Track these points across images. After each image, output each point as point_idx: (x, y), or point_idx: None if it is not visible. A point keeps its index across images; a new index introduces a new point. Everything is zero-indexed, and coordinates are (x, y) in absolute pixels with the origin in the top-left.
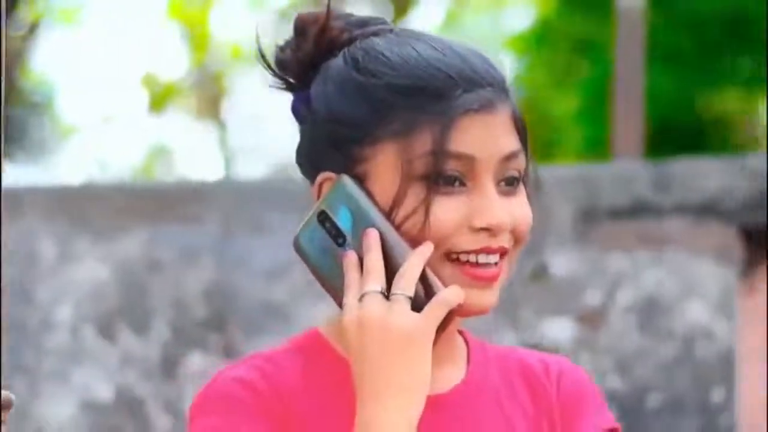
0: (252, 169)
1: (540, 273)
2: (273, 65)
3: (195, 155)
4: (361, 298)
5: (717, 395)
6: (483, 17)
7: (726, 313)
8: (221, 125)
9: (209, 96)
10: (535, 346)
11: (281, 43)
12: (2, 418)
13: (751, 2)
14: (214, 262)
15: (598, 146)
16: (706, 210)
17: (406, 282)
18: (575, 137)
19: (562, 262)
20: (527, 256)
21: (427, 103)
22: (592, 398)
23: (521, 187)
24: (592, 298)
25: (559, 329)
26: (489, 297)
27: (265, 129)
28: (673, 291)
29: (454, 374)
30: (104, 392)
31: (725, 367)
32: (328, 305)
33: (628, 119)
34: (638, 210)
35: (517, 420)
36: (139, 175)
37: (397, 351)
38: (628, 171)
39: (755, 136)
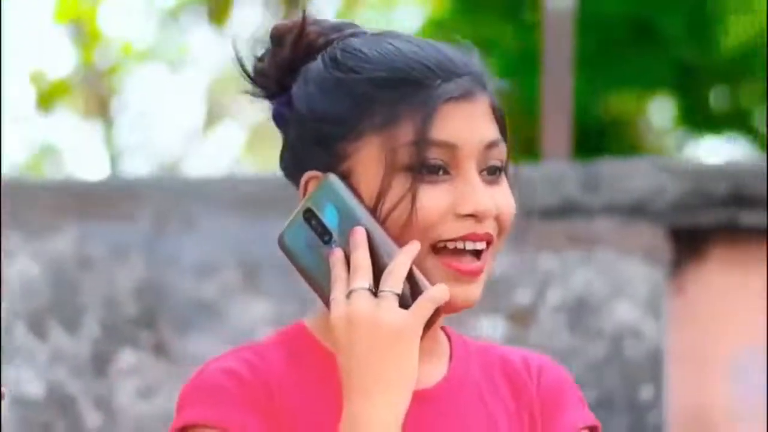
0: (139, 167)
1: None
2: (251, 75)
3: (83, 153)
4: (348, 295)
5: (645, 393)
6: (374, 16)
7: (654, 313)
8: (109, 123)
9: (98, 94)
10: None
11: (258, 54)
12: None
13: (653, 4)
14: (145, 259)
15: None
16: (635, 211)
17: (394, 280)
18: None
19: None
20: None
21: (408, 94)
22: (571, 395)
23: (503, 177)
24: (523, 297)
25: (491, 327)
26: (473, 291)
27: (153, 127)
28: (602, 291)
29: (437, 369)
30: (35, 389)
31: (653, 366)
32: (259, 302)
33: (557, 120)
34: (567, 210)
35: (498, 415)
36: (24, 173)
37: (386, 347)
38: (557, 171)
39: (648, 138)
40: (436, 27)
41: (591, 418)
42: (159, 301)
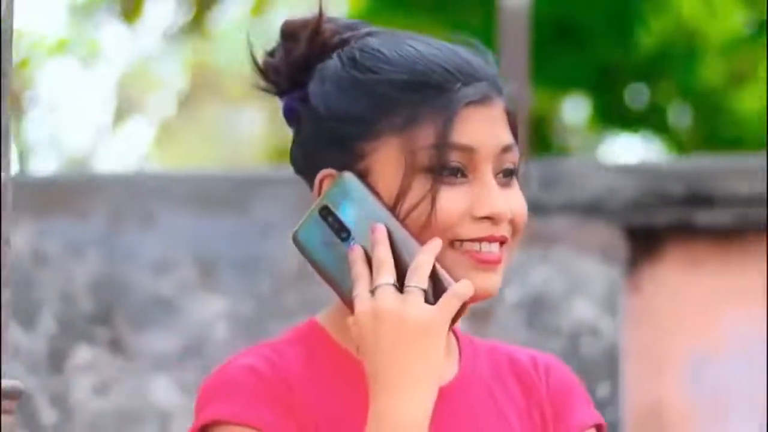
0: (47, 163)
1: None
2: (262, 70)
3: None
4: (373, 291)
5: (602, 390)
6: (290, 11)
7: (611, 311)
8: (18, 118)
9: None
10: None
11: (268, 49)
12: (4, 407)
13: (573, 4)
14: (101, 255)
15: None
16: (592, 209)
17: (420, 276)
18: None
19: None
20: None
21: (429, 97)
22: (579, 394)
23: (515, 179)
24: None
25: None
26: (494, 280)
27: (62, 122)
28: (559, 288)
29: (449, 367)
30: None
31: (610, 363)
32: (215, 299)
33: None
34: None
35: (510, 414)
36: None
37: (412, 342)
38: None
39: (563, 136)
40: None
41: (597, 417)
42: (115, 298)
